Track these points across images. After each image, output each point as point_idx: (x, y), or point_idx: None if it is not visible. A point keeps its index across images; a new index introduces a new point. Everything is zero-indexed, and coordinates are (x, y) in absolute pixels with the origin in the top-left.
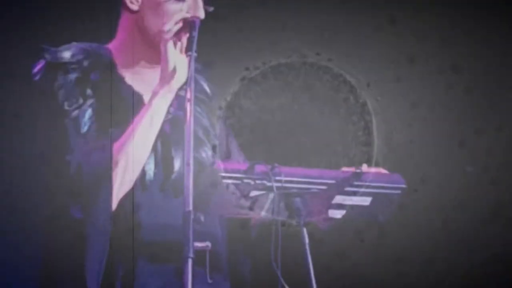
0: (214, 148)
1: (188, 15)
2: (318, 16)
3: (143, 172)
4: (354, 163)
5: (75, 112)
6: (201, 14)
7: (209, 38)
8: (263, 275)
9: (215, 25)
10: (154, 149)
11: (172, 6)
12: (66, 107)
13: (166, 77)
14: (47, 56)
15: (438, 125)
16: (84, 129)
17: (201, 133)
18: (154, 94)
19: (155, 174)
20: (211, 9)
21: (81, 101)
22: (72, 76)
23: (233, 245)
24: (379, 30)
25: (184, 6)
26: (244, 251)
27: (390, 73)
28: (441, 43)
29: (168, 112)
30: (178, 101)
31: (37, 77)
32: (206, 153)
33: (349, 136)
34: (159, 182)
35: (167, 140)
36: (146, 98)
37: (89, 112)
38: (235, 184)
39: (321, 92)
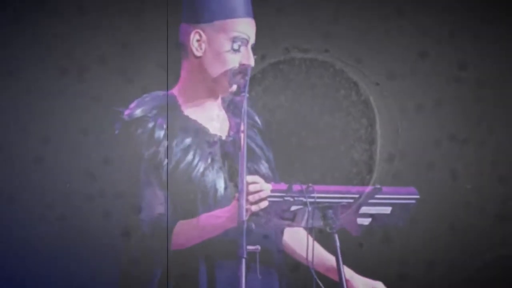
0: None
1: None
2: (321, 12)
3: (215, 190)
4: (358, 163)
5: (152, 155)
6: (252, 63)
7: None
8: (300, 273)
9: None
10: (222, 168)
11: (230, 56)
12: (144, 152)
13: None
14: (124, 116)
15: (444, 123)
16: (162, 167)
17: (258, 151)
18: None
19: (225, 189)
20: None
21: (157, 144)
22: (147, 125)
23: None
24: (386, 25)
25: (239, 55)
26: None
27: (396, 70)
28: (448, 40)
29: (228, 135)
30: (237, 127)
31: (117, 131)
32: (263, 165)
33: (352, 135)
34: (228, 197)
35: (232, 160)
36: (211, 129)
37: (163, 152)
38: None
39: (322, 90)
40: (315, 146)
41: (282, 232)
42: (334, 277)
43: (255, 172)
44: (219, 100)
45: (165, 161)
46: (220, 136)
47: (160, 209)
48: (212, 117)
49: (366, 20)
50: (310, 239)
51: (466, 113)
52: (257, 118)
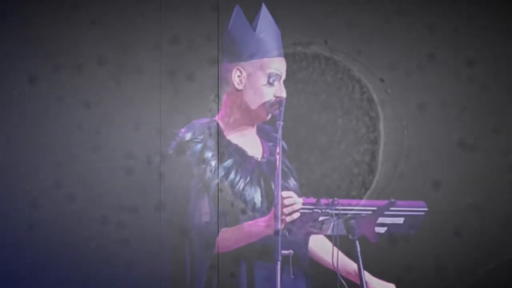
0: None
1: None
2: (324, 9)
3: (254, 203)
4: (359, 163)
5: (202, 171)
6: (284, 94)
7: (212, 27)
8: (326, 275)
9: (215, 16)
10: (259, 184)
11: (266, 89)
12: (195, 168)
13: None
14: (177, 138)
15: (450, 124)
16: (209, 182)
17: (286, 170)
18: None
19: (261, 202)
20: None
21: (204, 163)
22: (195, 147)
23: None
24: (391, 22)
25: (273, 89)
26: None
27: (401, 69)
28: (455, 38)
29: (263, 157)
30: (269, 150)
31: (171, 151)
32: (292, 181)
33: (354, 134)
34: (264, 209)
35: (267, 177)
36: (249, 151)
37: (211, 169)
38: (302, 213)
39: (323, 87)
40: (315, 145)
41: (308, 240)
42: (354, 279)
43: (285, 188)
44: (255, 127)
45: (209, 175)
46: (257, 158)
47: (206, 218)
48: (249, 142)
49: (371, 17)
50: (335, 245)
51: (473, 114)
52: (284, 145)
